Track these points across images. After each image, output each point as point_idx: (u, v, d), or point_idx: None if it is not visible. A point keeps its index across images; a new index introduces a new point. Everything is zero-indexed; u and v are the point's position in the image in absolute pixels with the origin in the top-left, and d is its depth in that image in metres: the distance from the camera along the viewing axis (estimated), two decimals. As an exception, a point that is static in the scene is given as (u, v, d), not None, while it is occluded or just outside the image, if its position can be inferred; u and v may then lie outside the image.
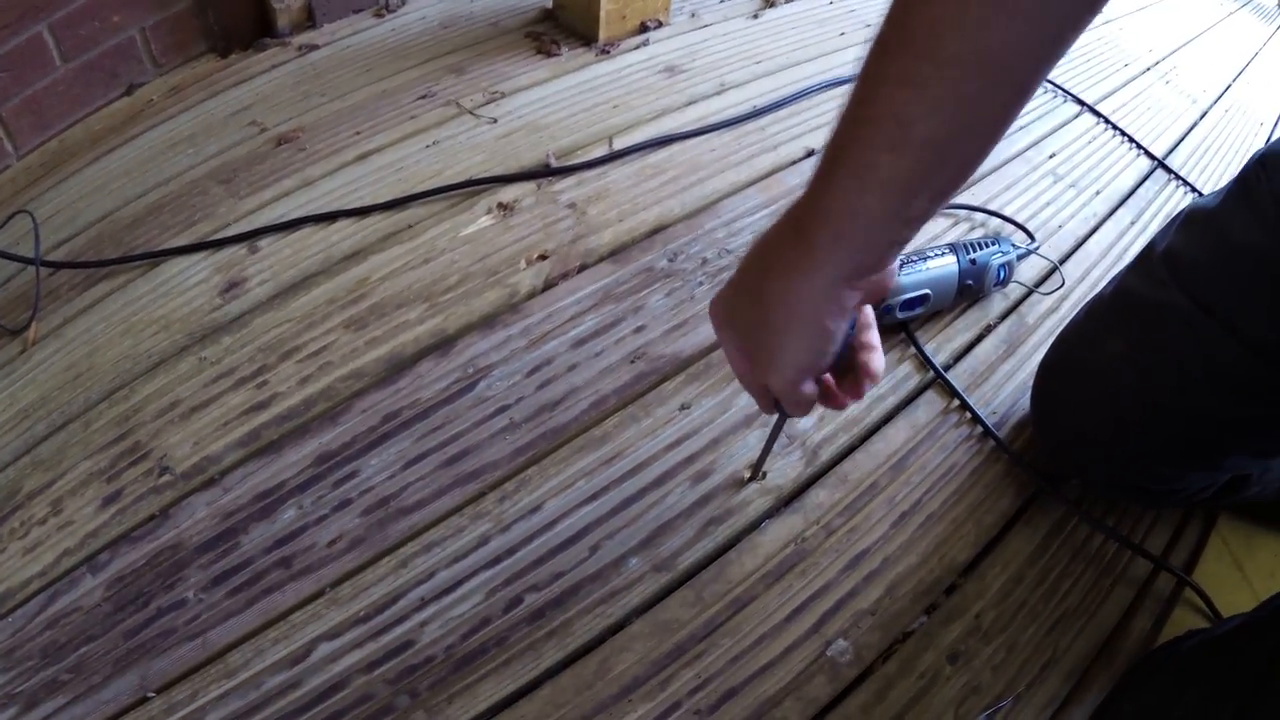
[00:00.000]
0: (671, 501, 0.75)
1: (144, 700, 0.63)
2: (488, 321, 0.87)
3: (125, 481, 0.76)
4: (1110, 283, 0.74)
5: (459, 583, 0.70)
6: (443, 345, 0.85)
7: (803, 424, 0.81)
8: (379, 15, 1.31)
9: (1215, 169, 1.19)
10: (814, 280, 0.44)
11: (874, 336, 0.54)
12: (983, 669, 0.69)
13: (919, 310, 0.86)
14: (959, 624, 0.71)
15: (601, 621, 0.68)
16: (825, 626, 0.69)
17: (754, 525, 0.74)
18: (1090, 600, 0.74)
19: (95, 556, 0.71)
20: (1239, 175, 0.64)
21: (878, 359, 0.54)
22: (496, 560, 0.71)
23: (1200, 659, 0.65)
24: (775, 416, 0.64)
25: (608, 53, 1.21)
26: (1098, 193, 1.09)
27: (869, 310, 0.54)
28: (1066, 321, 0.81)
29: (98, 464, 0.78)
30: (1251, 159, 0.64)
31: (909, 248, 0.94)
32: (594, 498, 0.75)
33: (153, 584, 0.70)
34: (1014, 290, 0.94)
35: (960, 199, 1.02)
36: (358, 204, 0.97)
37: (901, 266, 0.83)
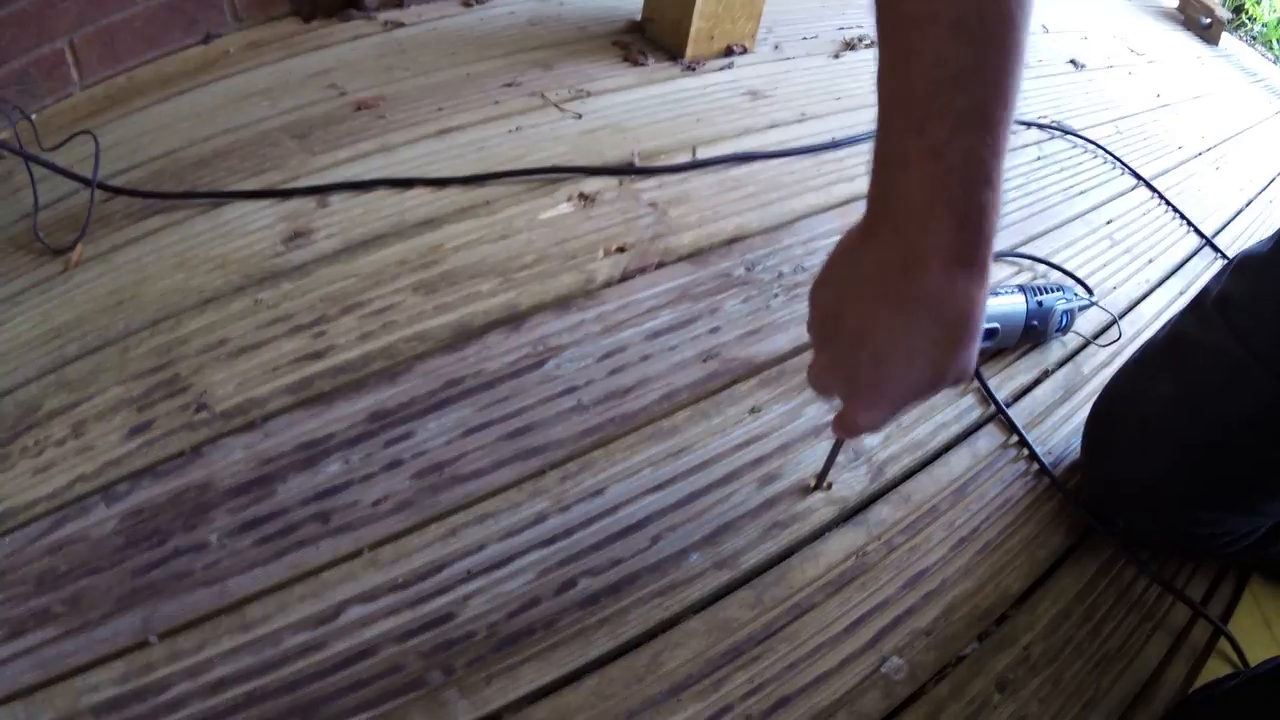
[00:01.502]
0: (737, 501, 0.72)
1: (144, 644, 0.57)
2: (562, 303, 0.84)
3: (158, 413, 0.71)
4: (1163, 328, 0.74)
5: (510, 558, 0.65)
6: (514, 320, 0.82)
7: (869, 441, 0.78)
8: (466, 4, 1.30)
9: (1259, 254, 1.19)
10: (986, 285, 0.42)
11: None
12: (1029, 700, 0.66)
13: (986, 344, 0.84)
14: (1009, 653, 0.68)
15: (657, 614, 0.64)
16: (882, 642, 0.66)
17: (817, 534, 0.71)
18: (1132, 643, 0.72)
19: (113, 486, 0.66)
20: None
21: None
22: (552, 540, 0.67)
23: (1241, 697, 0.63)
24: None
25: (693, 70, 1.20)
26: (1150, 261, 1.08)
27: None
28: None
29: (130, 391, 0.72)
30: None
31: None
32: (659, 488, 0.71)
33: (173, 522, 0.64)
34: (1071, 340, 0.93)
35: (1025, 249, 1.02)
36: (436, 175, 0.94)
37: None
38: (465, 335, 0.80)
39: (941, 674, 0.66)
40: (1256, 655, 0.74)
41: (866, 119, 1.17)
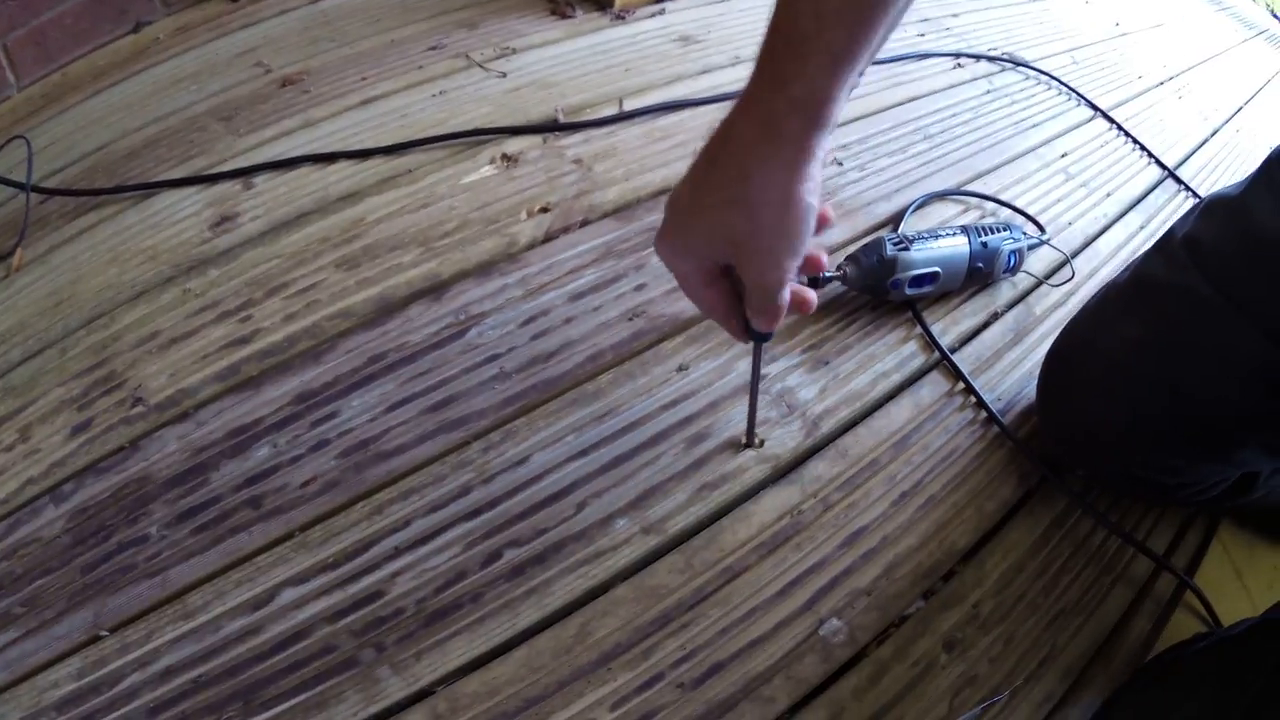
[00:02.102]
0: (664, 463, 0.68)
1: (97, 639, 0.58)
2: (484, 269, 0.81)
3: (96, 410, 0.71)
4: (1125, 269, 0.70)
5: (436, 533, 0.64)
6: (436, 290, 0.79)
7: (802, 394, 0.75)
8: (392, -31, 1.24)
9: (1226, 183, 1.14)
10: (796, 166, 0.45)
11: None
12: (979, 660, 0.63)
13: (927, 289, 0.80)
14: (957, 611, 0.65)
15: (584, 583, 0.62)
16: (819, 604, 0.63)
17: (749, 494, 0.68)
18: (1090, 597, 0.68)
19: (60, 486, 0.66)
20: (1263, 165, 0.60)
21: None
22: (477, 512, 0.65)
23: (1206, 664, 0.60)
24: (751, 373, 0.63)
25: (622, 18, 1.14)
26: (1108, 194, 1.03)
27: None
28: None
29: (70, 391, 0.73)
30: (1276, 149, 0.60)
31: (928, 223, 0.92)
32: (583, 453, 0.68)
33: (115, 518, 0.64)
34: (1023, 280, 0.89)
35: (973, 187, 0.97)
36: (359, 147, 0.90)
37: (912, 243, 0.78)
38: (387, 309, 0.77)
39: (884, 635, 0.63)
40: (1226, 606, 0.70)
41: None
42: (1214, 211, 0.63)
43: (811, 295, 0.54)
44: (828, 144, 0.46)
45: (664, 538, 0.65)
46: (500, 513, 0.65)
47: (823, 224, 0.52)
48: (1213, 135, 1.24)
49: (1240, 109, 1.33)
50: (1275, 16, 1.69)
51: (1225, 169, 1.17)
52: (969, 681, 0.62)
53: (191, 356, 0.74)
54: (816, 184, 0.46)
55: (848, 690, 0.60)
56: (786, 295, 0.51)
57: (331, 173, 0.89)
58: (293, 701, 0.56)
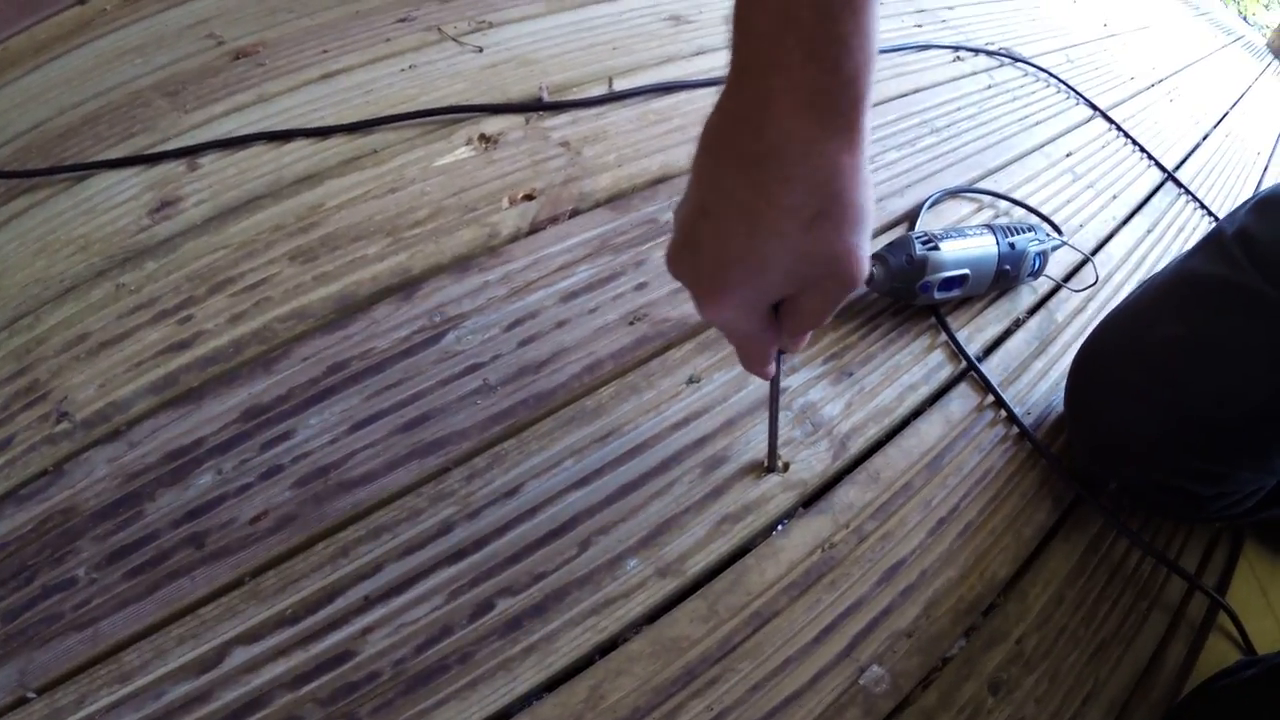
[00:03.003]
0: (678, 492, 0.58)
1: (23, 701, 0.48)
2: (461, 264, 0.69)
3: (18, 427, 0.59)
4: (1166, 268, 0.64)
5: (413, 580, 0.52)
6: (405, 287, 0.66)
7: (828, 411, 0.65)
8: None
9: (1222, 188, 1.10)
10: (857, 147, 0.34)
11: None
12: (1025, 701, 0.56)
13: (955, 292, 0.72)
14: (1000, 650, 0.58)
15: (593, 637, 0.52)
16: (858, 650, 0.54)
17: (775, 526, 0.58)
18: (1129, 626, 0.63)
19: None
20: None
21: None
22: (461, 554, 0.54)
23: (1257, 692, 0.56)
24: (770, 391, 0.54)
25: (609, -6, 1.03)
26: (1115, 197, 0.97)
27: None
28: (1096, 322, 0.70)
29: None
30: None
31: (942, 221, 0.83)
32: (584, 482, 0.58)
33: (38, 556, 0.53)
34: (1042, 285, 0.81)
35: (984, 184, 0.89)
36: (318, 124, 0.78)
37: (940, 242, 0.69)
38: (350, 309, 0.65)
39: (928, 680, 0.55)
40: (1254, 625, 0.66)
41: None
42: (1267, 208, 0.58)
43: None
44: None
45: (682, 580, 0.55)
46: (489, 554, 0.54)
47: None
48: (1205, 139, 1.20)
49: (1227, 113, 1.30)
50: (1247, 22, 1.68)
51: (1221, 173, 1.13)
52: (1017, 726, 0.55)
53: (124, 363, 0.62)
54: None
55: (893, 744, 0.52)
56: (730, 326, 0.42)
57: (287, 152, 0.76)
58: (249, 785, 0.45)
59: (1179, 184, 1.04)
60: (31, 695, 0.48)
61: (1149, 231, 0.95)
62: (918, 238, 0.69)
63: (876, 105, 0.96)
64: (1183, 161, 1.11)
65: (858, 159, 0.34)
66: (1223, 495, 0.64)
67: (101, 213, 0.72)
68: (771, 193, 0.35)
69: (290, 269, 0.67)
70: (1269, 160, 1.22)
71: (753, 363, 0.46)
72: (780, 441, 0.61)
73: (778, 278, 0.37)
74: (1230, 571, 0.70)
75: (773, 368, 0.47)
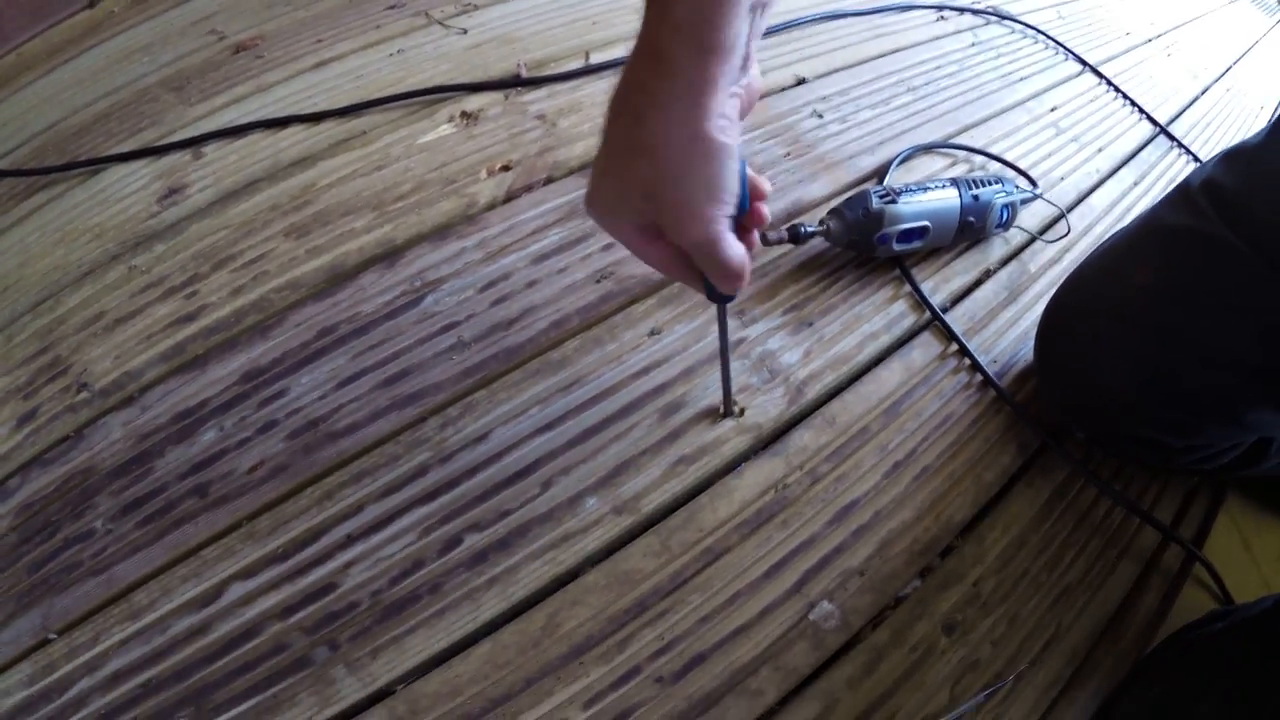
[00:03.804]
0: (637, 436, 0.60)
1: (45, 642, 0.52)
2: (440, 233, 0.72)
3: (42, 399, 0.64)
4: (1136, 219, 0.63)
5: (391, 519, 0.56)
6: (390, 256, 0.70)
7: (786, 358, 0.66)
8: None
9: (1218, 142, 1.06)
10: (695, 100, 0.37)
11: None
12: (981, 643, 0.56)
13: (916, 244, 0.72)
14: (956, 591, 0.58)
15: (552, 569, 0.54)
16: (808, 586, 0.56)
17: (729, 467, 0.60)
18: (1096, 573, 0.62)
19: (6, 482, 0.60)
20: None
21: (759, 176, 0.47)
22: (435, 494, 0.57)
23: (1227, 647, 0.54)
24: (720, 336, 0.56)
25: (591, -28, 1.04)
26: (1100, 150, 0.95)
27: None
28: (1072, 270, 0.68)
29: (16, 380, 0.66)
30: None
31: (914, 177, 0.83)
32: (549, 427, 0.60)
33: (61, 512, 0.58)
34: (1015, 236, 0.80)
35: (960, 140, 0.88)
36: (312, 110, 0.81)
37: (899, 196, 0.70)
38: (339, 278, 0.68)
39: (879, 618, 0.56)
40: (1235, 579, 0.64)
41: (781, 10, 1.02)
42: (1235, 160, 0.57)
43: (765, 215, 0.47)
44: (743, 75, 0.39)
45: (638, 517, 0.57)
46: (459, 494, 0.57)
47: (757, 197, 0.45)
48: (1203, 93, 1.15)
49: (1230, 68, 1.25)
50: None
51: (1218, 127, 1.09)
52: (970, 667, 0.55)
53: (136, 337, 0.66)
54: (729, 121, 0.39)
55: (841, 680, 0.53)
56: (736, 250, 0.43)
57: (283, 138, 0.80)
58: (244, 706, 0.49)
59: (1171, 137, 1.01)
60: (52, 636, 0.52)
61: (1135, 184, 0.92)
62: (876, 191, 0.69)
63: (852, 67, 0.96)
64: (1177, 115, 1.07)
65: (691, 110, 0.37)
66: (1192, 449, 0.63)
67: (114, 202, 0.77)
68: (613, 130, 0.40)
69: (285, 244, 0.71)
70: (1275, 114, 1.17)
71: (687, 284, 0.49)
72: (737, 388, 0.63)
73: (622, 204, 0.43)
74: (1209, 524, 0.68)
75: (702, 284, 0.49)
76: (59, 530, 0.57)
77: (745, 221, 0.46)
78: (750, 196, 0.45)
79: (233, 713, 0.49)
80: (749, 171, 0.44)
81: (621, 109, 0.40)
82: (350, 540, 0.55)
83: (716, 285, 0.45)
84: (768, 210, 0.47)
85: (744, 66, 0.39)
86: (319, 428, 0.60)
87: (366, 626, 0.52)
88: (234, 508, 0.57)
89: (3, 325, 0.70)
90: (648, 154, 0.39)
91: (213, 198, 0.76)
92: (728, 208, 0.41)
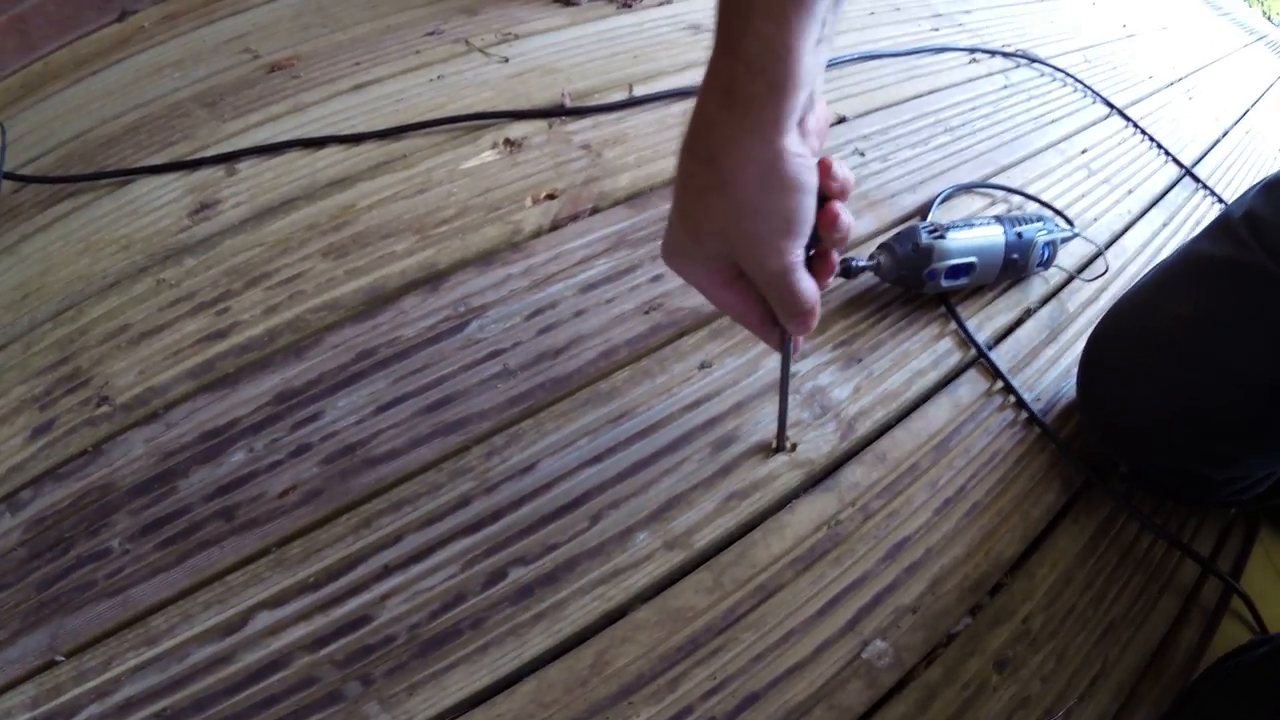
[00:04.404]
0: (688, 470, 0.59)
1: (52, 664, 0.50)
2: (485, 258, 0.71)
3: (59, 410, 0.62)
4: (1176, 252, 0.63)
5: (431, 549, 0.54)
6: (432, 280, 0.69)
7: (836, 394, 0.66)
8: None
9: (1241, 183, 1.07)
10: (768, 136, 0.38)
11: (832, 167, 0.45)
12: (1031, 679, 0.55)
13: (963, 281, 0.72)
14: (1006, 628, 0.57)
15: (601, 605, 0.53)
16: (862, 624, 0.54)
17: (782, 503, 0.59)
18: (1139, 608, 0.61)
19: (17, 494, 0.58)
20: None
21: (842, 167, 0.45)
22: (478, 525, 0.55)
23: (1269, 672, 0.53)
24: (781, 370, 0.55)
25: (629, 6, 1.05)
26: (1130, 191, 0.96)
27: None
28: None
29: (33, 389, 0.64)
30: None
31: (954, 215, 0.83)
32: (597, 459, 0.59)
33: (75, 528, 0.56)
34: (1054, 276, 0.81)
35: (997, 180, 0.89)
36: (350, 131, 0.81)
37: (947, 231, 0.69)
38: (379, 301, 0.67)
39: (931, 656, 0.55)
40: (1271, 612, 0.64)
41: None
42: (1274, 191, 0.57)
43: (836, 262, 0.46)
44: (811, 111, 0.39)
45: (690, 553, 0.55)
46: (504, 526, 0.55)
47: (838, 194, 0.44)
48: (1224, 135, 1.17)
49: (1248, 111, 1.27)
50: (1271, 21, 1.64)
51: (1240, 169, 1.10)
52: (1022, 704, 0.54)
53: (163, 352, 0.65)
54: (803, 156, 0.39)
55: (895, 718, 0.51)
56: (808, 285, 0.43)
57: (321, 158, 0.79)
58: (267, 741, 0.46)
59: (1196, 179, 1.02)
60: (60, 658, 0.50)
61: (1165, 225, 0.93)
62: (924, 227, 0.69)
63: (891, 106, 0.96)
64: (1201, 157, 1.09)
65: (764, 145, 0.38)
66: (1232, 481, 0.63)
67: (143, 214, 0.76)
68: (685, 170, 0.40)
69: (323, 264, 0.70)
70: None
71: (758, 333, 0.49)
72: (789, 423, 0.62)
73: (696, 246, 0.43)
74: (1245, 556, 0.68)
75: (777, 339, 0.49)
76: (72, 547, 0.55)
77: (817, 263, 0.45)
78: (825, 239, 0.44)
79: (255, 748, 0.46)
80: (843, 211, 0.43)
81: (693, 148, 0.40)
82: (388, 571, 0.53)
83: (786, 323, 0.45)
84: (836, 256, 0.46)
85: (812, 102, 0.39)
86: (356, 453, 0.59)
87: (403, 661, 0.50)
88: (263, 533, 0.55)
89: (22, 333, 0.68)
90: (722, 190, 0.39)
91: (247, 214, 0.75)
92: (802, 240, 0.41)
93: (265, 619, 0.51)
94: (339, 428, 0.60)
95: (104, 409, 0.62)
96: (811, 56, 0.37)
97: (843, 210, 0.43)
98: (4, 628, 0.51)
